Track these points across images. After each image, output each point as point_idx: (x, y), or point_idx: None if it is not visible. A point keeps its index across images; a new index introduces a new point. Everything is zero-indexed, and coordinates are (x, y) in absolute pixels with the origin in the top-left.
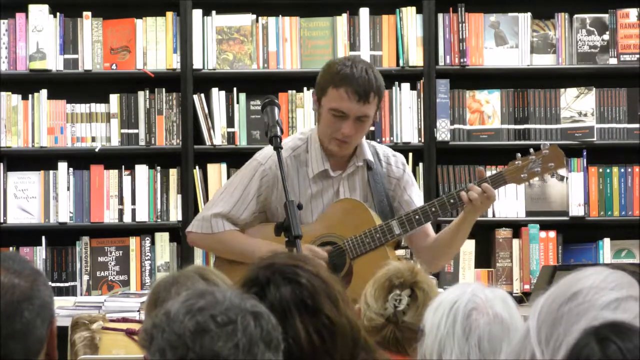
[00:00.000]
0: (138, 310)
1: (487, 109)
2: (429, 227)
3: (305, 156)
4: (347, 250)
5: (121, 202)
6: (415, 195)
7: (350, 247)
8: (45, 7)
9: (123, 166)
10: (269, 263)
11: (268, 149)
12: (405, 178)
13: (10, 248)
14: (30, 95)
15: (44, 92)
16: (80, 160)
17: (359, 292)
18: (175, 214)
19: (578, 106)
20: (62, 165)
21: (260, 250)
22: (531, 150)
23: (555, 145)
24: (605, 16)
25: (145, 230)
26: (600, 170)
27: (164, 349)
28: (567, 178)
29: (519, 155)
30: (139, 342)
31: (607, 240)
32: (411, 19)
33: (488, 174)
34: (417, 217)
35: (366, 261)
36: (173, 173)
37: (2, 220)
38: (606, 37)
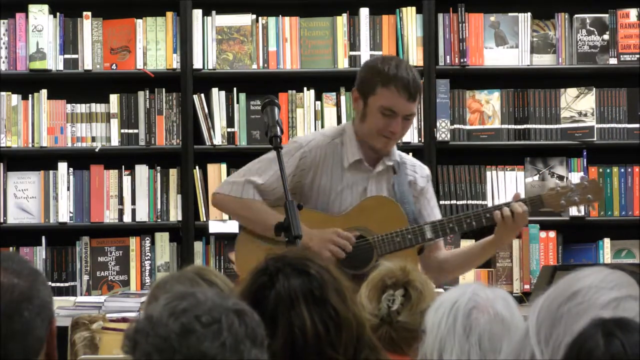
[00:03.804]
0: (138, 310)
1: (487, 109)
2: (440, 241)
3: (340, 148)
4: (376, 247)
5: (121, 202)
6: (436, 208)
7: (379, 244)
8: (45, 7)
9: (123, 166)
10: (280, 256)
11: (312, 136)
12: (429, 189)
13: (10, 248)
14: (30, 95)
15: (44, 92)
16: (80, 160)
17: None
18: (175, 214)
19: (578, 106)
20: (62, 165)
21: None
22: (572, 180)
23: (595, 181)
24: (605, 16)
25: (145, 230)
26: (600, 170)
27: (150, 353)
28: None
29: (557, 182)
30: (121, 349)
31: (607, 240)
32: (411, 19)
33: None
34: (451, 225)
35: (393, 260)
36: (173, 173)
37: (2, 220)
38: (606, 37)
